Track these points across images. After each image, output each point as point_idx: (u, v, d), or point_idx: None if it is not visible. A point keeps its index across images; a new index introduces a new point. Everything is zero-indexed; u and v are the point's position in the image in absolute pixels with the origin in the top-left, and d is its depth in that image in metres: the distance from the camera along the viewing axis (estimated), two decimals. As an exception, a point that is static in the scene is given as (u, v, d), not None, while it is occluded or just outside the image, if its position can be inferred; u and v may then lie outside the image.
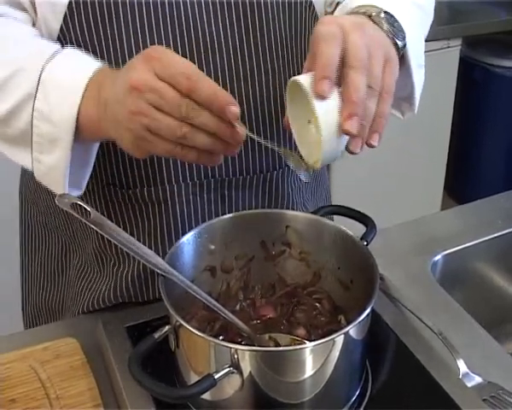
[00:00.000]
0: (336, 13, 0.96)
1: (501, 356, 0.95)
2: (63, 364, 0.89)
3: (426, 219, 1.32)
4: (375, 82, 0.74)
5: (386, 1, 0.85)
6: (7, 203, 1.87)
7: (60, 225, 1.09)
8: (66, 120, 0.81)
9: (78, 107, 0.81)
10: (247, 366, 0.72)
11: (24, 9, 0.90)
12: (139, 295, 1.00)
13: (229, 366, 0.72)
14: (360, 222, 0.94)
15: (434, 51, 2.49)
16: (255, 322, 0.93)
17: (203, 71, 0.87)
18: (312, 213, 0.95)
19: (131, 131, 0.74)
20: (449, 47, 2.60)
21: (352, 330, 0.75)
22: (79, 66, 0.84)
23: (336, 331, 0.74)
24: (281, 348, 0.86)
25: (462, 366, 0.89)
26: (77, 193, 0.89)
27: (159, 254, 0.96)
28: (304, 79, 0.74)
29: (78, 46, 0.89)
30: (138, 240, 0.96)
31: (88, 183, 0.98)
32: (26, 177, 1.16)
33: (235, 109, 0.73)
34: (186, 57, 0.90)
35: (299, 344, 0.90)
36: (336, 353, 0.75)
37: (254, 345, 0.86)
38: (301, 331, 0.92)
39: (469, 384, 0.87)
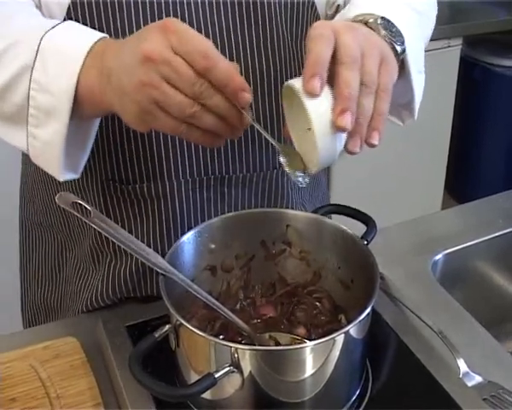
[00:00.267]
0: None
1: (501, 355, 0.95)
2: (63, 363, 0.89)
3: (426, 219, 1.32)
4: (370, 79, 0.73)
5: (384, 8, 0.84)
6: (7, 203, 1.87)
7: (56, 222, 1.09)
8: (65, 90, 0.78)
9: (78, 76, 0.77)
10: (247, 366, 0.72)
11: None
12: (137, 290, 1.00)
13: (229, 366, 0.72)
14: (360, 221, 0.94)
15: (435, 51, 2.49)
16: (255, 321, 0.93)
17: None
18: (313, 212, 0.95)
19: (138, 104, 0.71)
20: (449, 46, 2.60)
21: (352, 329, 0.75)
22: (81, 35, 0.81)
23: (336, 331, 0.74)
24: (281, 348, 0.86)
25: (462, 366, 0.89)
26: (73, 176, 0.87)
27: (158, 250, 0.98)
28: (295, 81, 0.74)
29: None
30: (137, 236, 0.98)
31: (87, 178, 0.98)
32: (25, 174, 1.16)
33: (248, 96, 0.72)
34: None
35: (300, 343, 0.89)
36: (336, 352, 0.75)
37: (254, 344, 0.86)
38: (301, 331, 0.92)
39: (470, 384, 0.87)
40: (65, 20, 0.87)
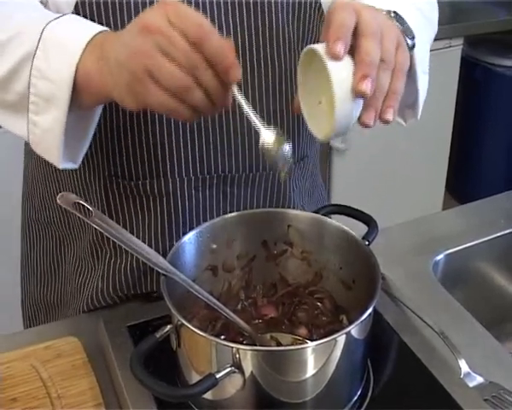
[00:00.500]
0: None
1: (502, 356, 0.95)
2: (64, 363, 0.89)
3: (427, 219, 1.32)
4: (388, 56, 0.75)
5: (395, 7, 0.86)
6: (7, 203, 1.87)
7: (55, 219, 1.09)
8: (65, 78, 0.79)
9: (77, 64, 0.78)
10: (248, 366, 0.72)
11: None
12: (137, 286, 1.00)
13: (230, 366, 0.72)
14: (362, 221, 0.94)
15: (436, 51, 2.48)
16: (257, 321, 0.93)
17: None
18: (314, 212, 0.95)
19: (130, 72, 0.72)
20: (450, 46, 2.60)
21: (353, 329, 0.75)
22: (82, 26, 0.82)
23: (338, 331, 0.74)
24: (282, 348, 0.86)
25: (463, 366, 0.89)
26: (72, 166, 0.87)
27: (159, 248, 0.98)
28: (318, 46, 0.75)
29: None
30: (139, 233, 0.98)
31: (89, 174, 0.98)
32: (26, 171, 1.16)
33: (238, 72, 0.73)
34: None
35: (301, 344, 0.89)
36: (338, 352, 0.75)
37: (256, 345, 0.86)
38: (303, 331, 0.92)
39: (471, 384, 0.87)
40: None
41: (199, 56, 0.70)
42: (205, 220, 0.99)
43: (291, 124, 1.00)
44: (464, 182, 3.13)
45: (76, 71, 0.78)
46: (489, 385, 0.88)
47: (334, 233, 0.90)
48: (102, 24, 0.87)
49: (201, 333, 0.74)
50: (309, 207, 1.12)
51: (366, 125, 0.76)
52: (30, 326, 1.20)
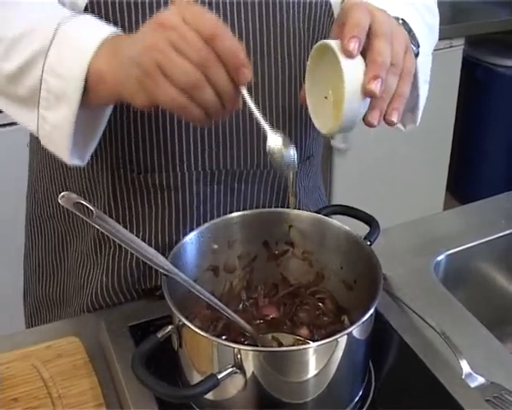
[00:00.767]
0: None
1: (504, 356, 0.95)
2: (65, 363, 0.89)
3: (428, 220, 1.32)
4: (397, 60, 0.77)
5: (403, 16, 0.88)
6: (7, 203, 1.87)
7: (58, 214, 1.09)
8: (76, 77, 0.79)
9: (89, 62, 0.79)
10: (250, 366, 0.72)
11: None
12: (142, 281, 1.01)
13: (232, 366, 0.72)
14: (363, 222, 0.94)
15: (437, 51, 2.47)
16: (258, 322, 0.93)
17: None
18: (316, 212, 0.95)
19: (140, 67, 0.72)
20: (451, 47, 2.59)
21: (355, 330, 0.75)
22: (98, 26, 0.82)
23: (339, 331, 0.74)
24: (284, 349, 0.86)
25: (465, 367, 0.89)
26: (79, 164, 0.87)
27: (165, 241, 0.99)
28: (332, 42, 0.77)
29: None
30: (145, 226, 0.98)
31: (97, 166, 0.98)
32: (31, 166, 1.16)
33: (248, 73, 0.73)
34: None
35: (303, 344, 0.89)
36: (339, 353, 0.75)
37: (257, 345, 0.86)
38: (304, 331, 0.92)
39: (472, 385, 0.87)
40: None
41: (211, 54, 0.71)
42: (212, 215, 0.99)
43: (298, 123, 1.00)
44: (465, 182, 3.13)
45: (88, 69, 0.79)
46: (490, 386, 0.88)
47: (335, 233, 0.90)
48: (116, 24, 0.87)
49: (203, 333, 0.74)
50: (310, 208, 1.12)
51: (370, 125, 0.78)
52: (31, 324, 1.20)
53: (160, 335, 0.76)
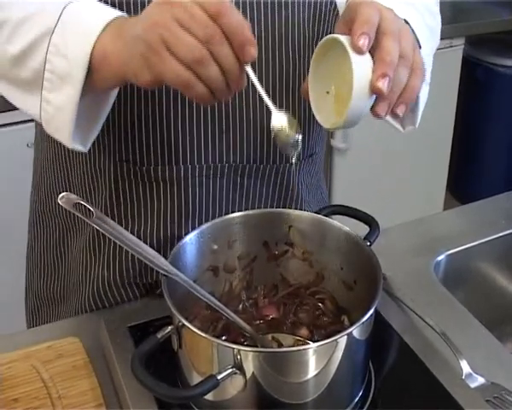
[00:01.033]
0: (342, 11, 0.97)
1: (504, 357, 0.95)
2: (65, 363, 0.89)
3: (428, 219, 1.32)
4: (407, 53, 0.78)
5: (403, 16, 0.88)
6: (7, 203, 1.87)
7: (60, 209, 1.09)
8: (81, 57, 0.79)
9: (94, 43, 0.78)
10: (249, 367, 0.72)
11: None
12: (143, 274, 1.01)
13: (232, 367, 0.72)
14: (363, 222, 0.94)
15: (437, 50, 2.47)
16: (258, 322, 0.93)
17: None
18: (315, 212, 0.95)
19: (146, 43, 0.72)
20: (452, 46, 2.59)
21: (355, 330, 0.75)
22: (104, 9, 0.82)
23: (339, 332, 0.74)
24: (284, 349, 0.86)
25: (465, 367, 0.89)
26: (81, 149, 0.87)
27: (168, 235, 0.99)
28: (342, 37, 0.77)
29: None
30: (147, 219, 0.99)
31: (100, 158, 0.98)
32: (36, 162, 1.16)
33: (254, 51, 0.73)
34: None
35: (302, 345, 0.89)
36: (339, 353, 0.75)
37: (257, 345, 0.85)
38: (304, 332, 0.91)
39: (472, 385, 0.87)
40: None
41: (217, 30, 0.71)
42: (214, 210, 0.99)
43: (302, 120, 1.01)
44: (465, 182, 3.13)
45: (92, 50, 0.78)
46: (490, 386, 0.88)
47: (335, 234, 0.90)
48: (121, 7, 0.87)
49: (203, 334, 0.74)
50: (312, 206, 1.12)
51: (378, 116, 0.78)
52: (33, 322, 1.20)
53: (159, 335, 0.76)
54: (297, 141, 0.79)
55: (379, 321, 0.87)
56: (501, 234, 1.22)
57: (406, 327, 0.92)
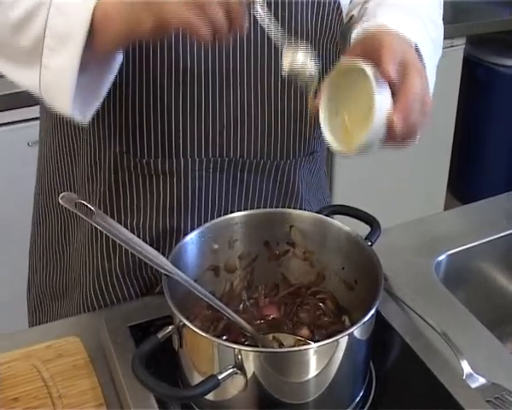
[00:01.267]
0: (356, 34, 0.98)
1: (505, 357, 0.94)
2: (66, 363, 0.89)
3: (429, 219, 1.32)
4: (423, 96, 0.78)
5: (410, 32, 0.89)
6: (7, 203, 1.87)
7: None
8: (82, 15, 0.78)
9: (95, 2, 0.78)
10: (250, 367, 0.72)
11: None
12: (143, 266, 1.01)
13: (232, 367, 0.72)
14: (364, 222, 0.93)
15: (438, 50, 2.48)
16: (259, 322, 0.93)
17: (229, 63, 0.91)
18: (317, 212, 0.95)
19: None
20: (452, 46, 2.59)
21: (356, 330, 0.75)
22: None
23: (340, 332, 0.74)
24: (285, 349, 0.86)
25: (465, 367, 0.89)
26: (80, 119, 0.85)
27: (166, 227, 0.99)
28: (367, 67, 0.76)
29: None
30: (146, 211, 0.99)
31: (100, 150, 0.98)
32: (40, 156, 1.15)
33: None
34: (223, 50, 0.92)
35: (303, 345, 0.89)
36: (340, 354, 0.75)
37: (258, 345, 0.85)
38: (305, 332, 0.91)
39: (473, 385, 0.87)
40: None
41: None
42: (214, 204, 0.99)
43: (304, 117, 1.01)
44: (466, 182, 3.13)
45: (94, 10, 0.78)
46: (491, 386, 0.88)
47: (336, 233, 0.90)
48: None
49: (203, 334, 0.74)
50: (312, 205, 1.12)
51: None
52: (35, 317, 1.21)
53: (160, 335, 0.76)
54: (314, 71, 0.79)
55: (379, 321, 0.87)
56: (502, 234, 1.22)
57: (407, 327, 0.92)
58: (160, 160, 0.96)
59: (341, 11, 0.99)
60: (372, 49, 0.78)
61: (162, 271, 0.80)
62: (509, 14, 2.77)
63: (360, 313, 0.76)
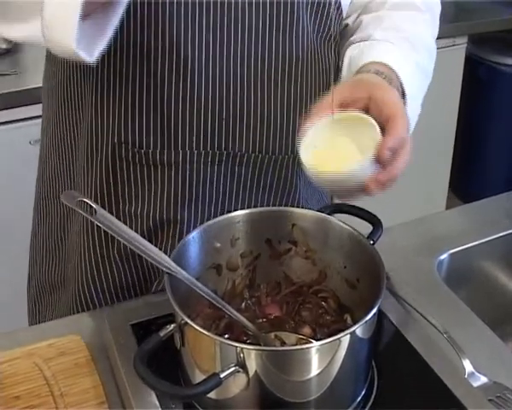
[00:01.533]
0: (347, 67, 1.01)
1: (507, 356, 0.94)
2: (68, 361, 0.89)
3: (431, 218, 1.32)
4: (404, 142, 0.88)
5: (398, 64, 0.93)
6: (7, 202, 1.87)
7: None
8: None
9: None
10: (252, 366, 0.72)
11: None
12: (138, 263, 1.01)
13: (234, 365, 0.72)
14: (366, 221, 0.93)
15: (440, 49, 2.45)
16: (261, 320, 0.93)
17: (229, 57, 0.92)
18: (318, 211, 0.95)
19: None
20: (454, 45, 2.59)
21: (358, 329, 0.75)
22: None
23: (342, 330, 0.74)
24: (287, 348, 0.86)
25: (467, 366, 0.89)
26: (85, 57, 0.79)
27: (163, 219, 0.99)
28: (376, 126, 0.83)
29: None
30: (143, 202, 0.99)
31: (97, 139, 0.99)
32: (42, 146, 1.16)
33: None
34: (223, 42, 0.93)
35: (305, 343, 0.89)
36: (342, 352, 0.75)
37: (260, 344, 0.85)
38: (307, 330, 0.91)
39: (475, 384, 0.87)
40: None
41: None
42: (211, 197, 1.00)
43: (302, 112, 1.00)
44: (468, 181, 3.13)
45: None
46: (493, 385, 0.88)
47: (338, 232, 0.90)
48: None
49: (205, 332, 0.74)
50: (310, 204, 1.12)
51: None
52: (34, 310, 1.21)
53: (162, 333, 0.76)
54: None
55: (381, 320, 0.87)
56: (503, 233, 1.22)
57: (409, 326, 0.92)
58: (158, 151, 0.97)
59: (342, 11, 1.00)
60: (365, 109, 0.83)
61: (164, 269, 0.80)
62: (511, 13, 2.77)
63: (362, 312, 0.76)
